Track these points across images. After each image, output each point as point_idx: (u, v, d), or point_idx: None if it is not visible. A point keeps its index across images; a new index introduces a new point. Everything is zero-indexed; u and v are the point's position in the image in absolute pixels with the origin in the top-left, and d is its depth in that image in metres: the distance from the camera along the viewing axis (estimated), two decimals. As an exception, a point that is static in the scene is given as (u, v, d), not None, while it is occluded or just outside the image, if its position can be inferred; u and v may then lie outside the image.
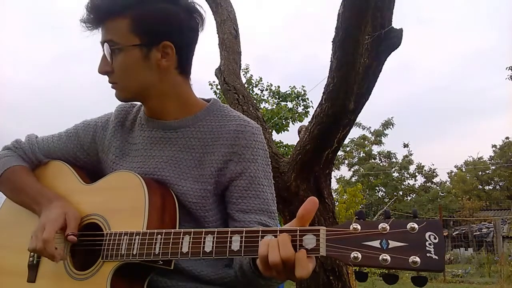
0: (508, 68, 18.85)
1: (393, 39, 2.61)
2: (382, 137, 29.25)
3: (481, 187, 31.63)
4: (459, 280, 10.42)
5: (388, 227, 0.80)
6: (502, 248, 13.61)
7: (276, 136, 12.19)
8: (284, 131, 12.09)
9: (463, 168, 32.92)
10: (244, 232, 0.93)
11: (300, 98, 12.68)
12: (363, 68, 2.59)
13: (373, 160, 30.35)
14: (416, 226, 0.79)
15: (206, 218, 1.20)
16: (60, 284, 1.14)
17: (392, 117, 29.26)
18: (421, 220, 0.79)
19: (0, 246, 1.32)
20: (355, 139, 29.83)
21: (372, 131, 29.60)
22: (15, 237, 1.29)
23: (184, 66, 1.24)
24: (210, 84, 12.58)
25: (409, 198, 31.51)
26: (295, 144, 3.10)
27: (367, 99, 2.80)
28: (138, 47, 1.17)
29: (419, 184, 32.58)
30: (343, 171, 30.41)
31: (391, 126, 28.88)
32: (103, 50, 1.19)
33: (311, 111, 8.72)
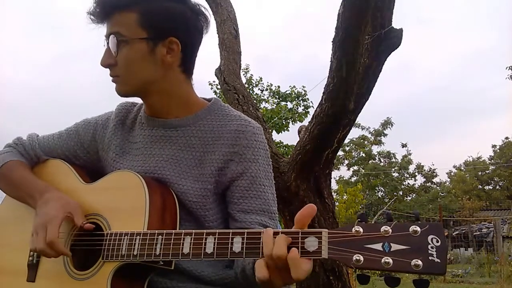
0: (508, 68, 18.85)
1: (393, 39, 2.61)
2: (382, 137, 29.26)
3: (481, 187, 31.65)
4: (459, 280, 10.42)
5: (390, 230, 0.80)
6: (502, 248, 13.60)
7: (276, 136, 12.22)
8: (284, 131, 12.10)
9: (463, 168, 32.95)
10: (245, 233, 0.92)
11: (300, 98, 12.69)
12: (363, 68, 2.59)
13: (373, 160, 30.35)
14: (418, 229, 0.78)
15: (206, 217, 1.20)
16: (60, 284, 1.14)
17: (391, 117, 29.28)
18: (424, 223, 0.79)
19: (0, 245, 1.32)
20: (355, 139, 29.84)
21: (371, 131, 29.62)
22: (14, 235, 1.29)
23: (187, 65, 1.25)
24: (210, 84, 12.61)
25: (409, 198, 31.51)
26: (295, 144, 3.10)
27: (367, 99, 2.80)
28: (145, 41, 1.17)
29: (419, 184, 32.61)
30: (343, 171, 30.43)
31: (390, 126, 28.90)
32: (107, 43, 1.19)
33: (311, 111, 8.72)
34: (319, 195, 2.93)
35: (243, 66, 10.44)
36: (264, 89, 13.38)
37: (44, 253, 1.10)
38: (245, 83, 11.38)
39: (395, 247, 0.79)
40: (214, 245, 0.94)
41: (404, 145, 30.83)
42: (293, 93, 12.93)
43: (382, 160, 30.90)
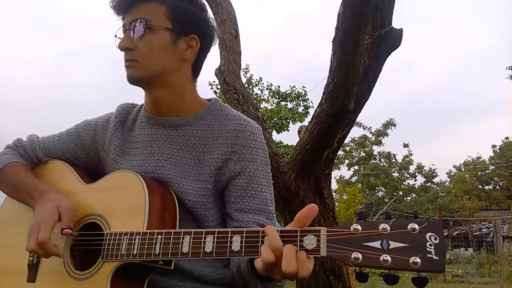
0: (508, 68, 18.79)
1: (393, 39, 2.61)
2: (382, 137, 29.27)
3: (481, 187, 31.64)
4: (459, 280, 10.42)
5: (388, 228, 0.80)
6: (502, 248, 13.59)
7: (276, 136, 12.21)
8: (284, 131, 12.10)
9: (462, 168, 32.95)
10: (244, 232, 0.93)
11: (300, 98, 12.68)
12: (363, 68, 2.59)
13: (373, 160, 30.36)
14: (416, 226, 0.78)
15: (206, 217, 1.20)
16: (60, 284, 1.14)
17: (393, 118, 29.28)
18: (422, 220, 0.79)
19: (0, 245, 1.32)
20: (355, 139, 29.86)
21: (373, 131, 29.63)
22: (15, 236, 1.29)
23: (197, 66, 1.30)
24: (210, 84, 12.60)
25: (409, 198, 31.51)
26: (295, 144, 3.10)
27: (367, 99, 2.80)
28: (169, 32, 1.22)
29: (419, 184, 32.60)
30: (344, 171, 30.45)
31: (392, 127, 28.91)
32: (131, 28, 1.21)
33: (311, 111, 8.73)
34: (319, 195, 2.93)
35: (243, 66, 10.45)
36: (264, 88, 13.38)
37: (36, 254, 1.11)
38: (245, 83, 11.38)
39: (393, 245, 0.79)
40: (213, 244, 0.94)
41: (406, 145, 30.84)
42: (293, 93, 12.92)
43: (382, 160, 30.91)
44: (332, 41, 2.43)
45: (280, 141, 12.49)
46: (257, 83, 13.39)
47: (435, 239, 0.78)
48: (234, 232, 0.93)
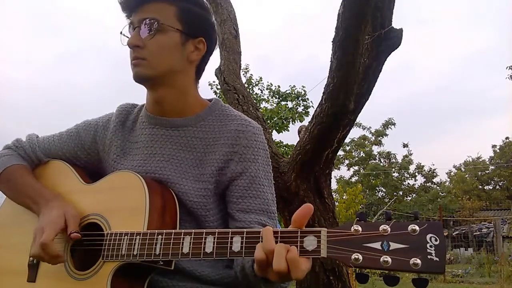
0: (508, 68, 18.81)
1: (393, 39, 2.61)
2: (382, 137, 29.28)
3: (481, 187, 31.64)
4: (459, 280, 10.41)
5: (389, 229, 0.80)
6: (502, 248, 13.60)
7: (276, 136, 12.20)
8: (284, 131, 12.09)
9: (462, 168, 32.96)
10: (245, 233, 0.93)
11: (300, 98, 12.67)
12: (363, 68, 2.59)
13: (373, 161, 30.36)
14: (417, 228, 0.78)
15: (206, 217, 1.20)
16: (60, 284, 1.14)
17: (392, 117, 29.31)
18: (422, 222, 0.79)
19: (0, 246, 1.32)
20: (355, 139, 29.86)
21: (372, 131, 29.63)
22: (15, 237, 1.29)
23: (201, 68, 1.31)
24: (210, 84, 12.59)
25: (409, 198, 31.50)
26: (295, 144, 3.10)
27: (367, 99, 2.80)
28: (179, 33, 1.23)
29: (419, 184, 32.60)
30: (343, 171, 30.45)
31: (392, 126, 28.91)
32: (137, 27, 1.20)
33: (311, 111, 8.72)
34: (319, 195, 2.93)
35: (243, 66, 10.45)
36: (264, 88, 13.37)
37: (38, 257, 1.11)
38: (245, 83, 11.37)
39: (394, 246, 0.79)
40: (213, 244, 0.94)
41: (405, 145, 30.85)
42: (293, 93, 12.91)
43: (382, 160, 30.92)
44: (332, 41, 2.43)
45: (280, 141, 12.48)
46: (257, 83, 13.39)
47: (436, 240, 0.77)
48: (234, 233, 0.94)
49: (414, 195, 31.59)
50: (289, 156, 3.04)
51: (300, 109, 12.67)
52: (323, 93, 2.63)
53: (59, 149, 1.38)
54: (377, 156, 30.59)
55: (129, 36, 1.22)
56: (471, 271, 11.68)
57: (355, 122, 3.07)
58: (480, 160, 32.55)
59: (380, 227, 0.80)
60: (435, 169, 32.79)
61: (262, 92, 13.37)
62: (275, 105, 12.94)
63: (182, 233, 0.99)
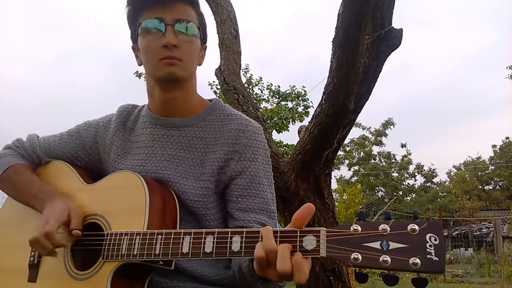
0: (508, 68, 18.83)
1: (393, 39, 2.60)
2: (383, 137, 29.28)
3: (481, 187, 31.64)
4: (459, 280, 10.41)
5: (388, 228, 0.80)
6: (502, 248, 13.61)
7: (276, 136, 12.20)
8: (284, 131, 12.08)
9: (462, 168, 32.95)
10: (244, 232, 0.93)
11: (300, 98, 12.67)
12: (363, 68, 2.58)
13: (373, 160, 30.37)
14: (416, 227, 0.78)
15: (207, 216, 1.21)
16: (60, 284, 1.14)
17: (392, 117, 29.31)
18: (422, 221, 0.79)
19: (1, 245, 1.32)
20: (355, 139, 29.86)
21: (372, 131, 29.63)
22: (16, 236, 1.29)
23: None
24: (210, 84, 12.59)
25: (409, 198, 31.51)
26: (295, 144, 3.10)
27: (367, 99, 2.79)
28: (200, 38, 1.26)
29: (419, 184, 32.61)
30: (344, 171, 30.46)
31: (391, 126, 28.91)
32: (171, 25, 1.18)
33: (311, 111, 8.71)
34: (319, 195, 2.92)
35: (243, 66, 10.44)
36: (264, 88, 13.36)
37: (39, 243, 1.10)
38: (245, 83, 11.37)
39: (393, 245, 0.79)
40: (213, 244, 0.94)
41: (403, 145, 30.87)
42: (293, 93, 12.91)
43: (382, 160, 30.93)
44: (332, 41, 2.43)
45: (280, 141, 12.48)
46: (257, 83, 13.38)
47: (435, 239, 0.77)
48: (234, 233, 0.94)
49: (414, 195, 31.61)
50: (289, 156, 3.04)
51: (300, 109, 12.66)
52: (323, 93, 2.62)
53: (59, 149, 1.38)
54: (377, 156, 30.60)
55: (154, 29, 1.19)
56: (471, 271, 11.68)
57: (355, 122, 3.07)
58: (480, 160, 32.56)
59: (380, 227, 0.80)
60: (435, 169, 32.83)
61: (262, 92, 13.37)
62: (275, 105, 12.94)
63: (182, 233, 0.99)
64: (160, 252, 1.00)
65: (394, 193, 30.15)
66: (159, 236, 1.01)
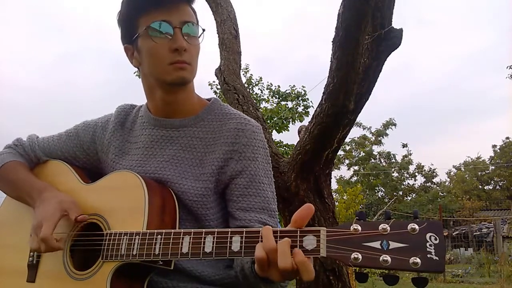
0: (508, 67, 18.84)
1: (393, 39, 2.60)
2: (382, 137, 29.29)
3: (481, 187, 31.65)
4: (459, 280, 10.41)
5: (388, 228, 0.80)
6: (502, 248, 13.61)
7: (276, 136, 12.19)
8: (284, 131, 12.08)
9: (462, 168, 32.97)
10: (244, 232, 0.92)
11: (300, 98, 12.66)
12: (363, 68, 2.58)
13: (373, 160, 30.38)
14: (416, 227, 0.78)
15: (207, 216, 1.20)
16: (60, 284, 1.14)
17: (393, 118, 29.34)
18: (422, 221, 0.79)
19: (0, 245, 1.32)
20: (355, 139, 29.88)
21: (372, 131, 29.64)
22: (14, 236, 1.29)
23: None
24: (210, 84, 12.60)
25: (409, 198, 31.52)
26: (295, 144, 3.10)
27: (367, 99, 2.79)
28: (199, 36, 1.23)
29: (419, 184, 32.62)
30: (344, 171, 30.47)
31: (392, 126, 28.93)
32: (179, 28, 1.16)
33: (311, 111, 8.71)
34: (319, 195, 2.92)
35: (243, 66, 10.44)
36: (264, 88, 13.36)
37: (39, 250, 1.11)
38: (245, 83, 11.36)
39: (393, 245, 0.79)
40: (213, 244, 0.94)
41: (404, 145, 30.88)
42: (293, 93, 12.90)
43: (382, 160, 30.94)
44: (332, 41, 2.43)
45: (280, 140, 12.48)
46: (257, 83, 13.38)
47: (435, 239, 0.77)
48: (234, 232, 0.93)
49: (414, 195, 31.62)
50: (289, 156, 3.04)
51: (300, 109, 12.66)
52: (323, 93, 2.62)
53: (58, 149, 1.38)
54: (377, 156, 30.61)
55: (163, 32, 1.16)
56: (471, 271, 11.68)
57: (355, 122, 3.07)
58: (480, 160, 32.56)
59: (380, 226, 0.80)
60: (435, 169, 32.85)
61: (262, 92, 13.36)
62: (275, 105, 12.93)
63: (182, 233, 0.98)
64: (160, 252, 1.00)
65: (394, 193, 30.17)
66: (159, 236, 1.01)
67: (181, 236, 0.98)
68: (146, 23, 1.17)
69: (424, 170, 32.53)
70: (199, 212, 1.19)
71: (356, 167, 30.62)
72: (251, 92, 12.40)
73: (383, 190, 30.71)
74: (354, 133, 29.61)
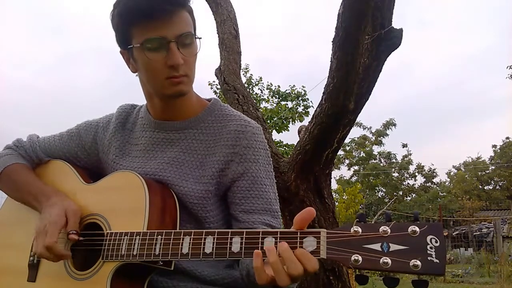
0: (508, 67, 18.84)
1: (393, 39, 2.60)
2: (383, 138, 29.30)
3: (481, 187, 31.65)
4: (459, 280, 10.41)
5: (389, 230, 0.80)
6: (502, 248, 13.60)
7: (276, 136, 12.20)
8: (284, 131, 12.09)
9: (462, 168, 32.97)
10: (244, 233, 0.92)
11: (300, 98, 12.66)
12: (363, 68, 2.58)
13: (373, 160, 30.39)
14: (417, 229, 0.78)
15: (207, 218, 1.20)
16: (60, 283, 1.14)
17: (393, 118, 29.35)
18: (423, 223, 0.78)
19: (0, 245, 1.32)
20: (355, 139, 29.88)
21: (373, 131, 29.65)
22: (15, 236, 1.29)
23: None
24: (210, 84, 12.60)
25: (409, 198, 31.52)
26: (295, 144, 3.10)
27: (367, 99, 2.79)
28: (197, 39, 1.19)
29: (419, 184, 32.62)
30: (344, 171, 30.47)
31: (392, 127, 28.94)
32: (175, 42, 1.12)
33: (311, 111, 8.71)
34: (319, 195, 2.92)
35: (243, 66, 10.44)
36: (264, 88, 13.36)
37: (43, 257, 1.11)
38: (245, 83, 11.37)
39: (394, 247, 0.79)
40: (213, 245, 0.94)
41: (404, 145, 30.90)
42: (293, 93, 12.90)
43: (382, 160, 30.95)
44: (332, 41, 2.43)
45: (280, 141, 12.48)
46: (257, 83, 13.37)
47: (436, 241, 0.77)
48: (234, 233, 0.93)
49: (414, 195, 31.62)
50: (289, 156, 3.04)
51: (300, 109, 12.66)
52: (323, 93, 2.62)
53: (59, 149, 1.38)
54: (377, 156, 30.61)
55: (157, 48, 1.12)
56: (471, 271, 11.67)
57: (355, 122, 3.06)
58: (480, 160, 32.57)
59: (380, 228, 0.80)
60: (435, 169, 32.85)
61: (262, 92, 13.36)
62: (275, 105, 12.93)
63: (182, 233, 0.99)
64: (160, 252, 1.00)
65: (394, 193, 30.17)
66: (159, 236, 1.01)
67: (182, 236, 0.98)
68: (139, 37, 1.12)
69: (424, 170, 32.53)
70: (199, 215, 1.19)
71: (356, 167, 30.63)
72: (251, 92, 12.40)
73: (383, 190, 30.73)
74: (354, 133, 29.65)
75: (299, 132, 3.73)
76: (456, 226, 21.62)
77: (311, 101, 12.52)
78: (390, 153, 30.70)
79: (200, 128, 1.25)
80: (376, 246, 0.80)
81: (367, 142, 30.13)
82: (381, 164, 30.78)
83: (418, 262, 0.76)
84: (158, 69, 1.14)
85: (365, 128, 29.66)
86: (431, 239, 0.78)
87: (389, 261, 0.78)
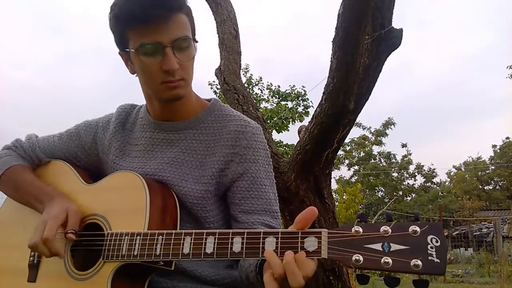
0: (508, 67, 18.85)
1: (393, 39, 2.60)
2: (383, 137, 29.31)
3: (481, 187, 31.65)
4: (459, 280, 10.41)
5: (390, 230, 0.80)
6: (502, 248, 13.60)
7: (276, 136, 12.20)
8: (284, 131, 12.09)
9: (462, 168, 32.98)
10: (245, 233, 0.92)
11: (300, 98, 12.66)
12: (363, 68, 2.58)
13: (373, 160, 30.40)
14: (418, 229, 0.78)
15: (207, 218, 1.20)
16: (60, 284, 1.14)
17: (392, 117, 29.36)
18: (423, 223, 0.79)
19: (0, 245, 1.32)
20: (355, 139, 29.89)
21: (372, 131, 29.66)
22: (15, 236, 1.29)
23: None
24: (210, 84, 12.61)
25: (409, 198, 31.53)
26: (295, 144, 3.10)
27: (367, 99, 2.79)
28: (194, 41, 1.18)
29: (419, 184, 32.63)
30: (344, 171, 30.48)
31: (392, 126, 28.94)
32: (170, 47, 1.11)
33: (311, 111, 8.71)
34: (319, 195, 2.92)
35: (243, 66, 10.44)
36: (264, 88, 13.36)
37: (38, 249, 1.10)
38: (245, 83, 11.37)
39: (394, 247, 0.79)
40: (214, 245, 0.94)
41: (404, 145, 30.91)
42: (293, 93, 12.91)
43: (382, 160, 30.96)
44: (332, 41, 2.43)
45: (280, 141, 12.49)
46: (257, 83, 13.38)
47: (437, 241, 0.77)
48: (235, 233, 0.93)
49: (414, 195, 31.63)
50: (289, 156, 3.04)
51: (300, 109, 12.66)
52: (323, 93, 2.62)
53: (59, 150, 1.38)
54: (377, 156, 30.62)
55: (152, 53, 1.11)
56: (471, 271, 11.68)
57: (355, 122, 3.06)
58: (480, 160, 32.57)
59: (381, 228, 0.80)
60: (435, 169, 32.86)
61: (262, 92, 13.36)
62: (275, 105, 12.94)
63: (183, 234, 0.99)
64: (161, 252, 1.00)
65: (394, 193, 30.18)
66: (160, 236, 1.01)
67: (182, 236, 0.98)
68: (135, 41, 1.12)
69: (424, 170, 32.54)
70: (199, 215, 1.19)
71: (356, 167, 30.64)
72: (251, 92, 12.40)
73: (383, 190, 30.74)
74: (354, 133, 29.64)
75: (299, 132, 3.73)
76: (456, 226, 21.62)
77: (311, 101, 12.53)
78: (390, 153, 30.71)
79: (200, 128, 1.25)
80: (377, 246, 0.80)
81: (367, 142, 30.13)
82: (381, 164, 30.78)
83: (419, 262, 0.76)
84: (154, 74, 1.14)
85: (365, 128, 29.68)
86: (431, 238, 0.78)
87: (390, 261, 0.78)
